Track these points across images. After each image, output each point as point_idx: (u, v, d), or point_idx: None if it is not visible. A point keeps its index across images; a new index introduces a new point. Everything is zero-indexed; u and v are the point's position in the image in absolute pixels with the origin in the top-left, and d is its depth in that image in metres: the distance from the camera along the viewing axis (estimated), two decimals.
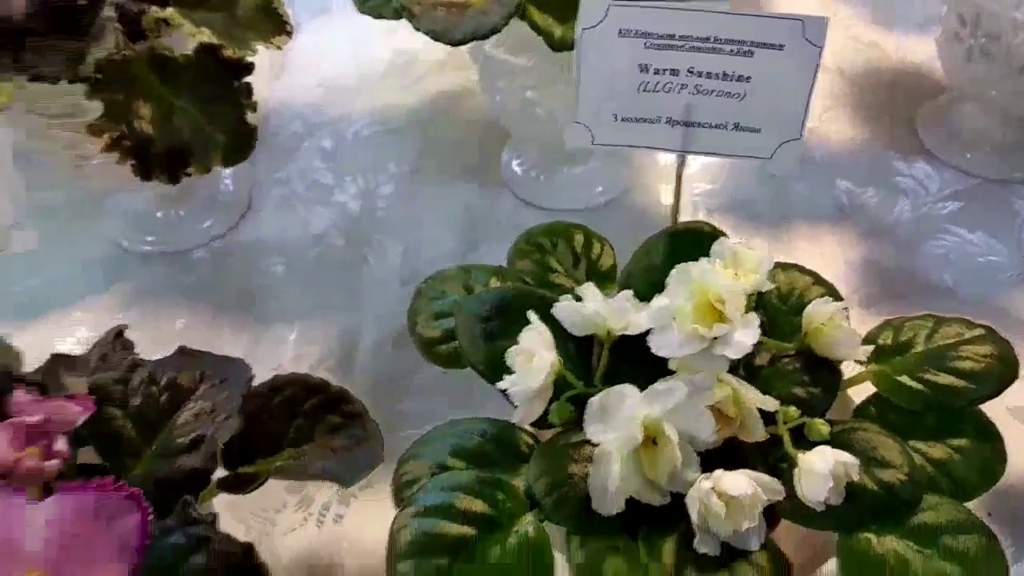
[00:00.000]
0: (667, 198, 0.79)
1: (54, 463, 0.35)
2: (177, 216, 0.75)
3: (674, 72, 0.44)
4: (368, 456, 0.43)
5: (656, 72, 0.44)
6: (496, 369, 0.45)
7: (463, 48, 0.55)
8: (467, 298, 0.47)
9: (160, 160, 0.52)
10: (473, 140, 0.85)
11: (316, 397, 0.45)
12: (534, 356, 0.41)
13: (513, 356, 0.41)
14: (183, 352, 0.45)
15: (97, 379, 0.41)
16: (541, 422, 0.43)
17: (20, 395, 0.36)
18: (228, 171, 0.77)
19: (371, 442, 0.45)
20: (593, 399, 0.38)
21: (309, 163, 0.84)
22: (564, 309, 0.43)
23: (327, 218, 0.78)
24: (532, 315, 0.42)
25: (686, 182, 0.81)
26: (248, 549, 0.39)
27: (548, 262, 0.51)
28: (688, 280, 0.39)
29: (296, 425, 0.44)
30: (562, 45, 0.50)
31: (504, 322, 0.46)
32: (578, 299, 0.45)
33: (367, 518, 0.57)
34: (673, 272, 0.40)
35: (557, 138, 0.71)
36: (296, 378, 0.45)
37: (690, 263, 0.40)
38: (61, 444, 0.36)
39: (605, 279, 0.50)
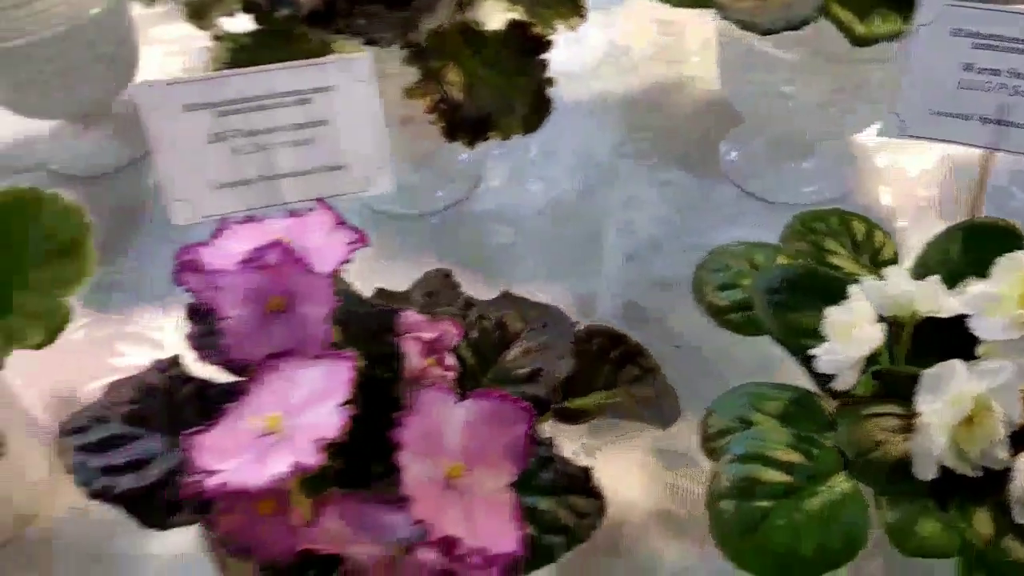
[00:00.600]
0: (887, 200, 0.81)
1: (451, 373, 0.40)
2: (415, 184, 0.81)
3: (994, 72, 0.46)
4: (671, 408, 0.47)
5: (979, 71, 0.46)
6: (790, 337, 0.48)
7: (680, 41, 0.56)
8: (763, 272, 0.50)
9: (465, 124, 0.57)
10: (687, 130, 0.89)
11: (619, 348, 0.50)
12: (852, 328, 0.44)
13: (831, 327, 0.44)
14: (506, 296, 0.50)
15: (443, 311, 0.46)
16: None
17: (411, 315, 0.42)
18: None
19: (668, 395, 0.49)
20: (929, 371, 0.41)
21: (533, 141, 0.88)
22: (871, 288, 0.46)
23: (549, 195, 0.83)
24: (855, 290, 0.45)
25: (908, 184, 0.82)
26: (587, 471, 0.43)
27: (825, 244, 0.54)
28: (1017, 268, 0.41)
29: (604, 371, 0.49)
30: (862, 41, 0.53)
31: (796, 296, 0.49)
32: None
33: (613, 469, 0.62)
34: (1001, 260, 0.42)
35: (799, 132, 0.75)
36: (603, 329, 0.50)
37: (1019, 253, 0.42)
38: (451, 359, 0.41)
39: (885, 267, 0.52)
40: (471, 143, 0.58)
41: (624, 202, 0.81)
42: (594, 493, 0.42)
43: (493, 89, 0.57)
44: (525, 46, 0.58)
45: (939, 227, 0.76)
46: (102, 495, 0.42)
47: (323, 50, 0.57)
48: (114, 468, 0.43)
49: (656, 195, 0.82)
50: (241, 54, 0.56)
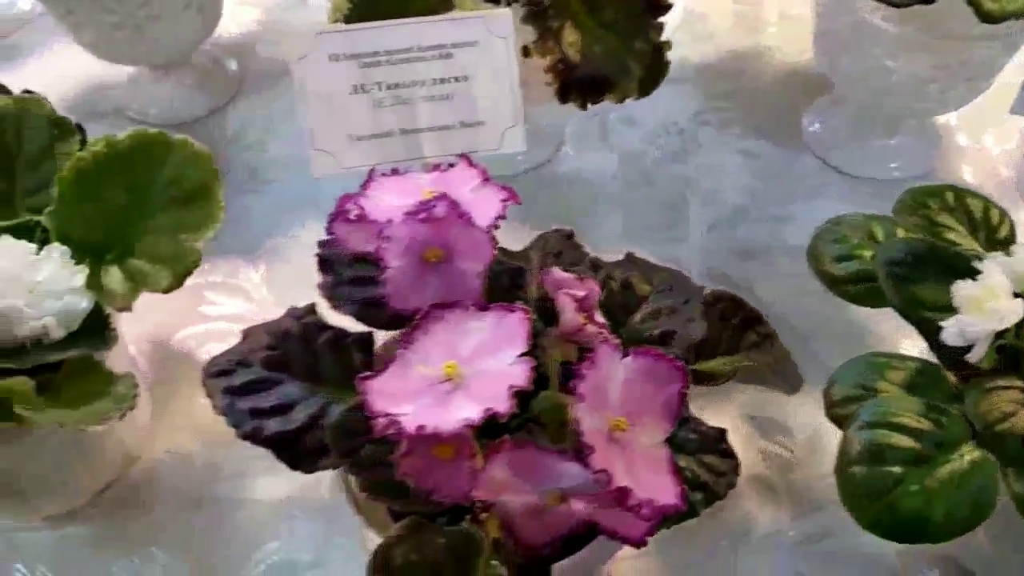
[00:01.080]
0: (969, 178, 0.80)
1: (604, 330, 0.40)
2: None
3: None
4: (794, 374, 0.48)
5: None
6: (911, 310, 0.49)
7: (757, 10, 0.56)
8: (886, 245, 0.50)
9: (579, 85, 0.57)
10: (766, 100, 0.88)
11: (741, 313, 0.50)
12: (985, 302, 0.44)
13: (963, 300, 0.45)
14: (630, 258, 0.51)
15: (574, 272, 0.47)
16: None
17: (558, 272, 0.42)
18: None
19: (787, 361, 0.49)
20: None
21: (612, 106, 0.88)
22: (1005, 263, 0.46)
23: (629, 161, 0.83)
24: (989, 264, 0.45)
25: (989, 162, 0.82)
26: (722, 432, 0.44)
27: (938, 219, 0.54)
28: None
29: (726, 336, 0.49)
30: (991, 17, 0.52)
31: (919, 270, 0.50)
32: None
33: None
34: None
35: (892, 107, 0.75)
36: (726, 294, 0.50)
37: None
38: (599, 315, 0.41)
39: (1002, 246, 0.53)
40: (584, 104, 0.58)
41: (705, 170, 0.82)
42: (729, 453, 0.43)
43: (609, 51, 0.57)
44: (644, 7, 0.58)
45: (1021, 206, 0.77)
46: (252, 437, 0.43)
47: (441, 5, 0.57)
48: (260, 411, 0.44)
49: (737, 164, 0.82)
50: (361, 5, 0.56)
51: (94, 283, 0.50)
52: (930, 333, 0.48)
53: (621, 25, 0.58)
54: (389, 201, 0.42)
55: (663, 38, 0.58)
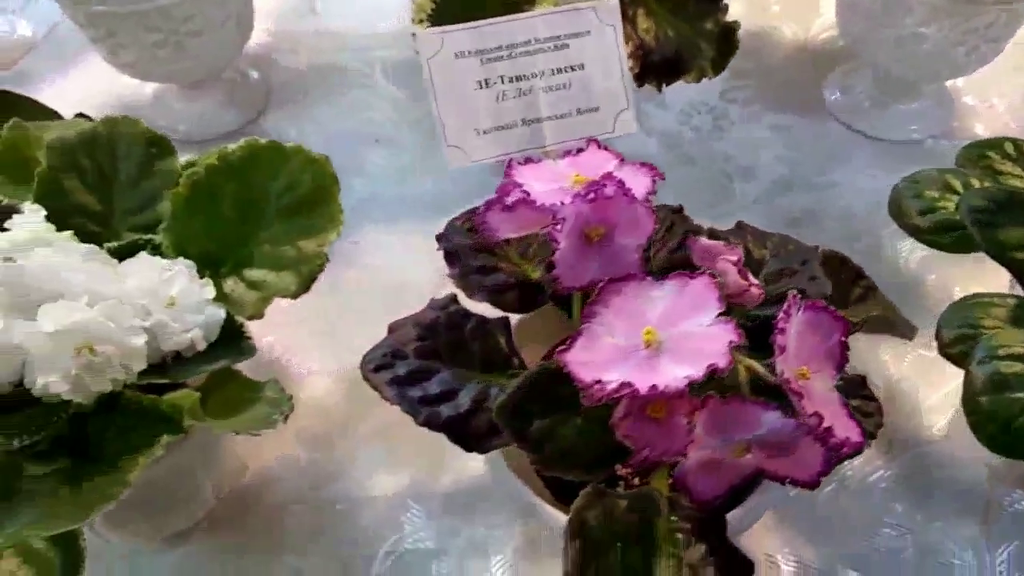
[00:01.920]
0: (984, 133, 0.85)
1: (761, 292, 0.43)
2: None
3: None
4: (905, 322, 0.51)
5: None
6: (1000, 252, 0.53)
7: None
8: (967, 195, 0.54)
9: (656, 68, 0.60)
10: (784, 75, 0.92)
11: (846, 269, 0.53)
12: None
13: None
14: (740, 226, 0.53)
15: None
16: None
17: (706, 241, 0.44)
18: None
19: (894, 311, 0.53)
20: None
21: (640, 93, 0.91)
22: None
23: (668, 141, 0.85)
24: None
25: (999, 118, 0.87)
26: (863, 378, 0.47)
27: (1002, 169, 0.59)
28: None
29: (837, 291, 0.52)
30: None
31: (1002, 215, 0.54)
32: None
33: None
34: None
35: (923, 72, 0.79)
36: (829, 252, 0.53)
37: None
38: (753, 277, 0.44)
39: None
40: (660, 86, 0.61)
41: (740, 145, 0.85)
42: (871, 396, 0.46)
43: (681, 34, 0.60)
44: None
45: None
46: (429, 424, 0.44)
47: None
48: (428, 399, 0.45)
49: (769, 137, 0.85)
50: (444, 4, 0.58)
51: (218, 295, 0.51)
52: (1020, 272, 0.52)
53: (690, 9, 0.61)
54: (538, 187, 0.43)
55: (728, 19, 0.61)
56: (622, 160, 0.46)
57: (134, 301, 0.45)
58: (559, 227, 0.40)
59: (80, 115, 0.72)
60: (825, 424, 0.36)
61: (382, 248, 0.80)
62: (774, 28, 0.98)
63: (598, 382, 0.36)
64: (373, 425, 0.66)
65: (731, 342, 0.35)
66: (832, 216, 0.78)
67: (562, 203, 0.40)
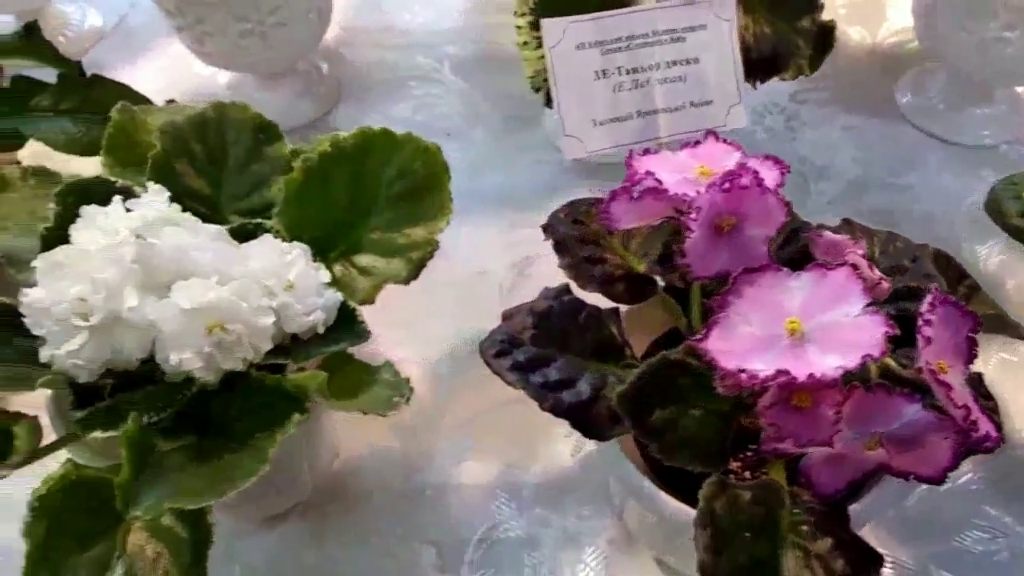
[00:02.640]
0: None
1: (889, 286, 0.43)
2: None
3: None
4: (1017, 325, 0.51)
5: None
6: None
7: None
8: None
9: (755, 65, 0.60)
10: (852, 78, 0.92)
11: (951, 268, 0.53)
12: None
13: None
14: (847, 222, 0.54)
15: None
16: None
17: (830, 235, 0.45)
18: None
19: (998, 308, 0.53)
20: None
21: None
22: None
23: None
24: None
25: None
26: (979, 376, 0.47)
27: None
28: None
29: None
30: None
31: None
32: None
33: None
34: None
35: (1000, 76, 0.79)
36: (939, 252, 0.54)
37: None
38: (879, 272, 0.44)
39: None
40: (755, 83, 0.61)
41: (814, 146, 0.85)
42: (988, 395, 0.46)
43: (779, 31, 0.60)
44: None
45: None
46: (554, 410, 0.44)
47: None
48: (549, 385, 0.45)
49: (842, 138, 0.86)
50: (546, 0, 0.58)
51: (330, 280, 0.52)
52: None
53: (787, 7, 0.61)
54: (667, 178, 0.44)
55: (824, 17, 0.62)
56: (743, 152, 0.46)
57: (259, 282, 0.46)
58: (693, 216, 0.41)
59: (170, 101, 0.73)
60: (971, 417, 0.37)
61: (455, 241, 0.81)
62: (841, 31, 0.97)
63: (743, 370, 0.37)
64: (459, 414, 0.66)
65: (886, 333, 0.35)
66: (909, 218, 0.78)
67: (697, 192, 0.41)
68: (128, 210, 0.48)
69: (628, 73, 0.49)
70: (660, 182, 0.42)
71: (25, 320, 0.44)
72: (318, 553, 0.59)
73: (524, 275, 0.75)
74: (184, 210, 0.53)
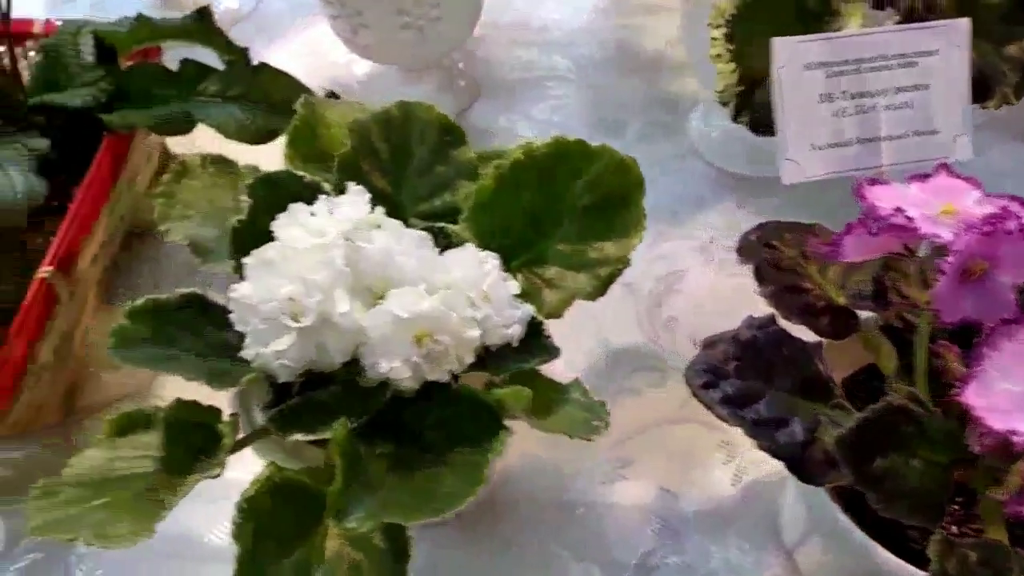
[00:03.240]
0: None
1: None
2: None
3: None
4: None
5: None
6: None
7: None
8: None
9: None
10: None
11: None
12: None
13: None
14: None
15: None
16: None
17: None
18: None
19: None
20: None
21: None
22: None
23: None
24: None
25: None
26: None
27: None
28: None
29: None
30: None
31: None
32: None
33: None
34: None
35: None
36: None
37: None
38: None
39: None
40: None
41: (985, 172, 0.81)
42: None
43: (983, 57, 0.57)
44: (1013, 13, 0.58)
45: None
46: (771, 452, 0.42)
47: (823, 7, 0.57)
48: (761, 422, 0.44)
49: (1015, 168, 0.82)
50: (746, 9, 0.56)
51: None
52: None
53: (993, 32, 0.58)
54: (913, 214, 0.41)
55: None
56: (982, 189, 0.43)
57: (463, 292, 0.45)
58: (950, 260, 0.38)
59: (331, 94, 0.73)
60: None
61: None
62: None
63: (1014, 432, 0.34)
64: (610, 432, 0.64)
65: None
66: None
67: (953, 234, 0.38)
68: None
69: (853, 97, 0.47)
70: (911, 220, 0.40)
71: (231, 315, 0.44)
72: (468, 562, 0.58)
73: (673, 290, 0.73)
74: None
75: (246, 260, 0.43)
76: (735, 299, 0.73)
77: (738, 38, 0.57)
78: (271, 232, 0.49)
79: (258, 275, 0.43)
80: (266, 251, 0.43)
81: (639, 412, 0.65)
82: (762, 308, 0.71)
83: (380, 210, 0.47)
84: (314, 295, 0.41)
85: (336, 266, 0.42)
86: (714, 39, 0.56)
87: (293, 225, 0.45)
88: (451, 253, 0.47)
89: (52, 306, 0.57)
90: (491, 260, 0.47)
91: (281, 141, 0.66)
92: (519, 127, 0.88)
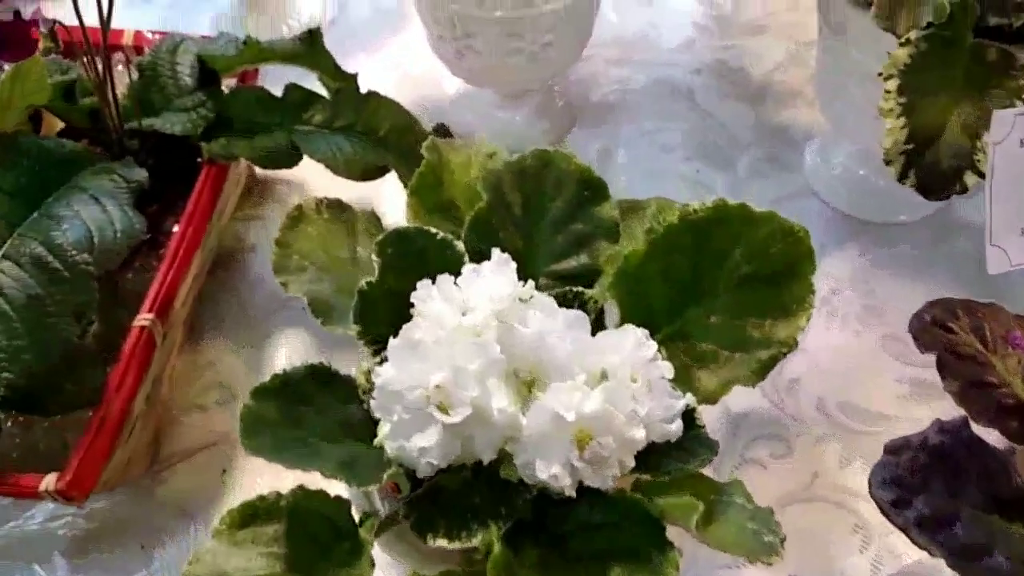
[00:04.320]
0: None
1: None
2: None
3: None
4: None
5: None
6: None
7: None
8: None
9: None
10: None
11: None
12: None
13: None
14: None
15: None
16: None
17: None
18: None
19: None
20: None
21: None
22: None
23: None
24: None
25: None
26: None
27: None
28: None
29: None
30: None
31: None
32: None
33: None
34: None
35: None
36: None
37: None
38: None
39: None
40: None
41: None
42: None
43: None
44: None
45: None
46: None
47: (1001, 63, 0.51)
48: (960, 551, 0.38)
49: None
50: (918, 62, 0.51)
51: None
52: None
53: None
54: None
55: None
56: None
57: (625, 384, 0.40)
58: None
59: (440, 127, 0.68)
60: None
61: None
62: None
63: None
64: None
65: None
66: None
67: None
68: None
69: None
70: None
71: (373, 403, 0.39)
72: None
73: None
74: None
75: (392, 342, 0.39)
76: (862, 360, 0.67)
77: (910, 90, 0.52)
78: (400, 294, 0.45)
79: (403, 358, 0.38)
80: (413, 331, 0.39)
81: (764, 487, 0.60)
82: (894, 373, 0.66)
83: (531, 285, 0.42)
84: (468, 387, 0.37)
85: (492, 352, 0.38)
86: (887, 92, 0.51)
87: (435, 298, 0.41)
88: (606, 335, 0.42)
89: (151, 355, 0.53)
90: (650, 343, 0.43)
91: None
92: (619, 156, 0.83)
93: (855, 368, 0.67)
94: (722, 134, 0.84)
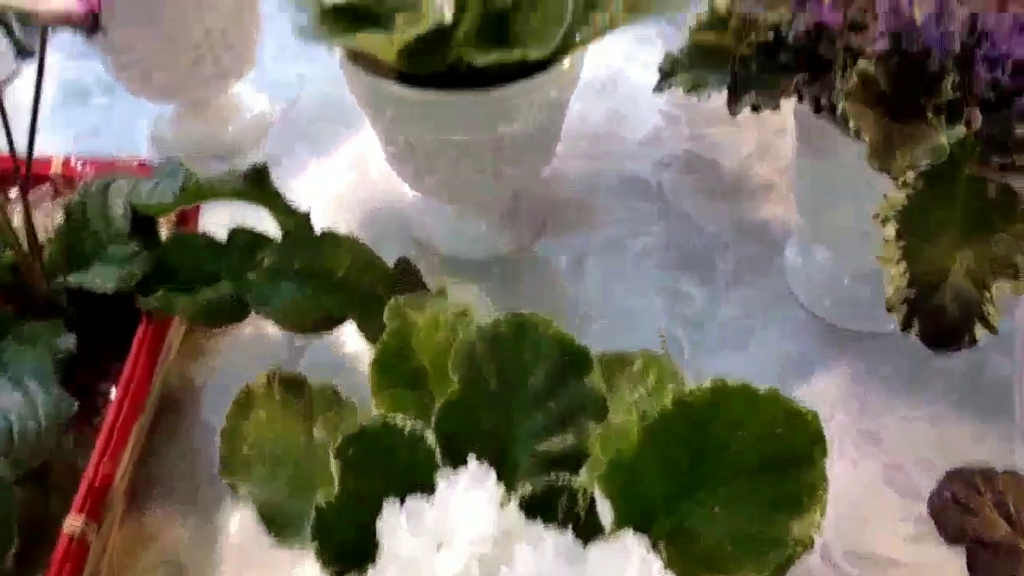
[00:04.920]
0: None
1: None
2: None
3: None
4: None
5: None
6: None
7: None
8: None
9: None
10: None
11: None
12: None
13: None
14: None
15: None
16: None
17: None
18: None
19: None
20: None
21: None
22: None
23: None
24: None
25: None
26: None
27: None
28: None
29: None
30: None
31: None
32: None
33: None
34: None
35: None
36: None
37: None
38: None
39: None
40: None
41: None
42: None
43: None
44: None
45: None
46: None
47: (1002, 199, 0.48)
48: None
49: None
50: (915, 202, 0.47)
51: None
52: None
53: None
54: None
55: None
56: None
57: None
58: None
59: (403, 261, 0.63)
60: None
61: None
62: None
63: None
64: None
65: None
66: None
67: None
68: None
69: None
70: None
71: None
72: None
73: None
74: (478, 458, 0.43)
75: None
76: (864, 497, 0.62)
77: (909, 234, 0.48)
78: (364, 498, 0.39)
79: None
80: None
81: None
82: (899, 511, 0.59)
83: (513, 510, 0.37)
84: None
85: None
86: (886, 240, 0.47)
87: (404, 530, 0.36)
88: (598, 555, 0.37)
89: (83, 563, 0.46)
90: (655, 562, 0.38)
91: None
92: (589, 264, 0.78)
93: (858, 506, 0.62)
94: (698, 236, 0.80)
